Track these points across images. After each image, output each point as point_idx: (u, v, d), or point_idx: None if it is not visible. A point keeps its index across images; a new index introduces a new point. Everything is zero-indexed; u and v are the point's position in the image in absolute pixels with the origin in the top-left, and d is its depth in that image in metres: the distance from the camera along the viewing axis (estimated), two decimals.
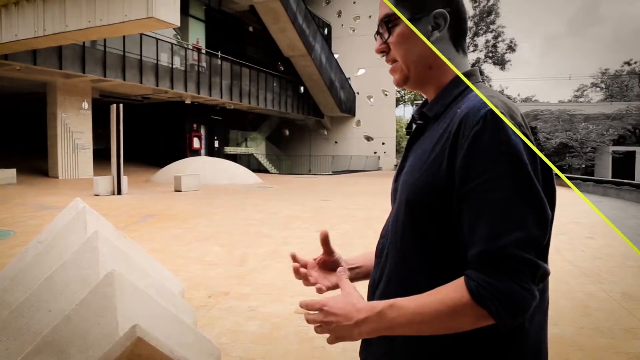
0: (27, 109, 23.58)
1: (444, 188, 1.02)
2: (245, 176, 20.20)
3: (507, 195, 0.95)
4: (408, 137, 1.33)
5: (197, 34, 24.41)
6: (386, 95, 37.19)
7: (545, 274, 0.97)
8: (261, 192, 15.84)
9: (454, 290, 0.97)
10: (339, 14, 37.55)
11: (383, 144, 36.91)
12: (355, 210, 11.08)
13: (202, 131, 25.89)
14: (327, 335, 1.08)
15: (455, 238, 1.02)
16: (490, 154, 0.96)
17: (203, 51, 23.83)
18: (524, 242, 0.93)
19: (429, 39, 1.13)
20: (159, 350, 1.70)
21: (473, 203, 0.97)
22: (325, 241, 1.31)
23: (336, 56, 34.87)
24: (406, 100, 54.96)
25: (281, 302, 4.61)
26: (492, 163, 0.96)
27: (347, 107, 35.69)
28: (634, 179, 27.02)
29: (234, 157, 27.57)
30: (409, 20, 1.13)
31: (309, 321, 1.09)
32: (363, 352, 1.22)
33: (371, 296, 1.24)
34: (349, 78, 36.23)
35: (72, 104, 18.65)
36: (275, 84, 29.68)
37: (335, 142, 37.45)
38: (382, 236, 1.25)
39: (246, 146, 32.32)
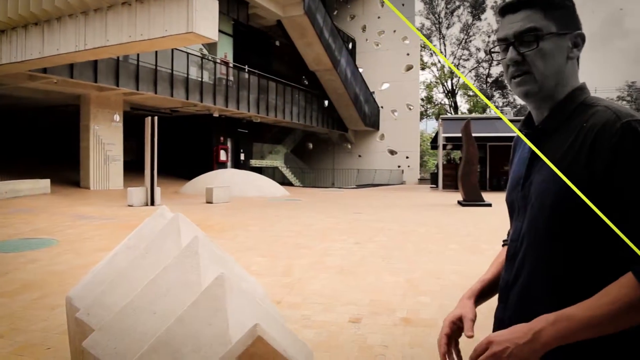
0: (60, 121, 24.04)
1: (590, 197, 1.08)
2: (273, 189, 20.35)
3: None
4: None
5: (225, 49, 24.72)
6: (410, 109, 37.25)
7: None
8: (291, 205, 15.93)
9: (623, 287, 1.02)
10: (364, 28, 37.84)
11: (407, 157, 36.90)
12: (389, 223, 11.11)
13: (229, 144, 26.17)
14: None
15: (601, 242, 1.08)
16: (634, 163, 1.04)
17: (231, 65, 24.15)
18: None
19: (568, 55, 1.22)
20: (275, 349, 1.77)
21: (631, 211, 1.04)
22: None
23: (361, 70, 35.06)
24: (430, 114, 54.88)
25: (333, 312, 4.66)
26: (638, 171, 1.04)
27: (371, 121, 35.81)
28: None
29: (259, 170, 27.76)
30: (554, 33, 1.21)
31: None
32: None
33: (504, 297, 1.29)
34: (373, 92, 36.38)
35: (104, 116, 19.03)
36: (300, 98, 29.94)
37: (359, 156, 37.53)
38: (512, 240, 1.31)
39: (271, 159, 32.53)
